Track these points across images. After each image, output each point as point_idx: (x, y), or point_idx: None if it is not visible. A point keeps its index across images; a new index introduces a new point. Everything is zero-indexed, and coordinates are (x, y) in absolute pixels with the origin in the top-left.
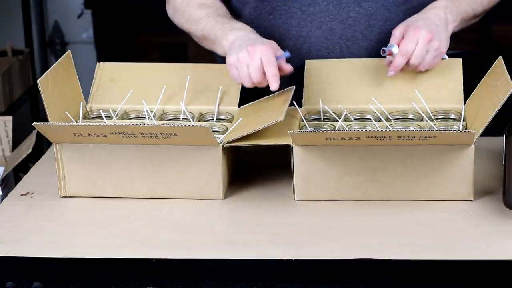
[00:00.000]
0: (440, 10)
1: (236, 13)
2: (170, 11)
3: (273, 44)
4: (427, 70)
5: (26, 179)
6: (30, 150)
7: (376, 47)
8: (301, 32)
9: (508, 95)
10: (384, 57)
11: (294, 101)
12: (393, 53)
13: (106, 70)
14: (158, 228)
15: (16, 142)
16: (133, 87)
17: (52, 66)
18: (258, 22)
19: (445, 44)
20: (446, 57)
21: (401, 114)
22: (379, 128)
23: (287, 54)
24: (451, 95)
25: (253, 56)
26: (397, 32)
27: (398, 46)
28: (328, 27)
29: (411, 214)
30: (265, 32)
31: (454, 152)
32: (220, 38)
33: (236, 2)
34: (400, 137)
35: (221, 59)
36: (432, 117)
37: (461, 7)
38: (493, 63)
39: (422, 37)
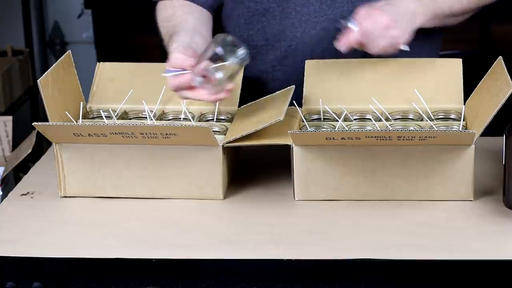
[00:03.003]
0: (411, 2)
1: (228, 14)
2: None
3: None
4: (426, 70)
5: (26, 179)
6: (30, 150)
7: None
8: (295, 33)
9: (508, 95)
10: (339, 30)
11: (294, 101)
12: (351, 24)
13: (106, 70)
14: (158, 228)
15: (16, 142)
16: (133, 87)
17: (52, 66)
18: (252, 24)
19: (405, 35)
20: (407, 48)
21: (401, 114)
22: (379, 128)
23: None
24: (451, 95)
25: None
26: (361, 12)
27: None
28: (322, 26)
29: (411, 214)
30: (258, 33)
31: (454, 152)
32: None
33: (231, 2)
34: (400, 137)
35: None
36: (432, 117)
37: (436, 2)
38: (493, 63)
39: (382, 22)
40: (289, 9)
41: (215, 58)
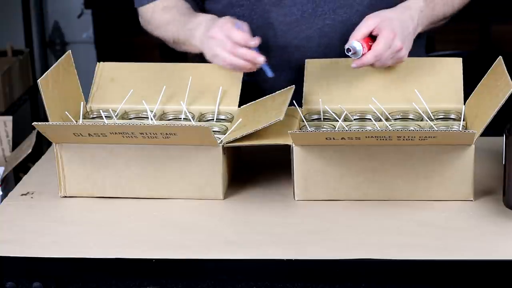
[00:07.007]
0: (416, 13)
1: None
2: (141, 21)
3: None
4: (426, 70)
5: (26, 179)
6: (30, 150)
7: None
8: (278, 43)
9: (508, 95)
10: (348, 56)
11: (294, 101)
12: (357, 50)
13: (106, 70)
14: (158, 228)
15: (16, 142)
16: (133, 87)
17: (52, 66)
18: None
19: (407, 52)
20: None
21: (401, 114)
22: (379, 128)
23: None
24: (451, 95)
25: (217, 37)
26: (370, 23)
27: (366, 42)
28: (305, 35)
29: (411, 214)
30: None
31: (454, 152)
32: (189, 39)
33: (219, 12)
34: (400, 137)
35: None
36: (432, 117)
37: (434, 10)
38: (493, 63)
39: (394, 45)
40: (271, 19)
41: None
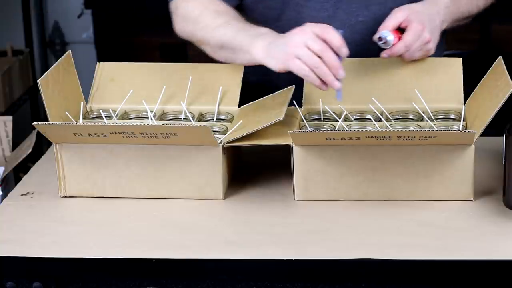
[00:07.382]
0: (442, 9)
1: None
2: (178, 20)
3: None
4: (426, 70)
5: (26, 179)
6: (30, 150)
7: None
8: None
9: (508, 95)
10: (379, 47)
11: (294, 101)
12: (388, 41)
13: (106, 70)
14: (158, 228)
15: (16, 142)
16: (133, 87)
17: (52, 66)
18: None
19: (435, 46)
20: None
21: (401, 114)
22: (379, 128)
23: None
24: (451, 95)
25: (306, 32)
26: (399, 15)
27: (395, 33)
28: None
29: (411, 214)
30: None
31: (454, 152)
32: (246, 46)
33: (246, 9)
34: (400, 137)
35: None
36: (432, 117)
37: (460, 8)
38: (493, 63)
39: (423, 37)
40: (304, 14)
41: None
